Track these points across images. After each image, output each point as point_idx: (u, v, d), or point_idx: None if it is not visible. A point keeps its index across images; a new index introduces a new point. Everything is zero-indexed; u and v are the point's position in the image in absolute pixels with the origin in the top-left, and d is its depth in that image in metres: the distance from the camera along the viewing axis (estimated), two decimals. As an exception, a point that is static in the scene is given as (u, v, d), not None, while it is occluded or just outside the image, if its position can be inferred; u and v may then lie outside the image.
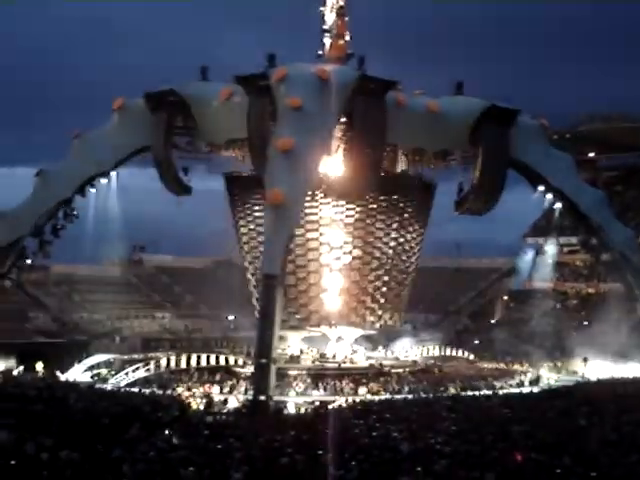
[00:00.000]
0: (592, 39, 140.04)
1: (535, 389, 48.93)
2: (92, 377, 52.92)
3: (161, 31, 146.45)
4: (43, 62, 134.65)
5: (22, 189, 53.52)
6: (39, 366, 54.60)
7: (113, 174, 52.65)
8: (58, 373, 52.25)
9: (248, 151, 48.11)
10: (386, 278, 55.09)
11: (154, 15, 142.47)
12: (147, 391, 44.97)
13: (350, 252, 54.06)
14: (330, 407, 37.85)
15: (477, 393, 45.58)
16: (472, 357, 64.30)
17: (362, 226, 53.80)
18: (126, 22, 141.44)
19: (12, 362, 55.04)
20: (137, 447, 22.74)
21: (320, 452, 21.73)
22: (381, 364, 54.73)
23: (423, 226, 56.33)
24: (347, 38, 57.03)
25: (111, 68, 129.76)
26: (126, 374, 51.12)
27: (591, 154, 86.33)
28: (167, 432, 26.09)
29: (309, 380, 49.14)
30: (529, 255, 76.76)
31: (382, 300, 55.37)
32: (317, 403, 42.90)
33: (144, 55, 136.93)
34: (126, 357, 59.44)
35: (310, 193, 49.17)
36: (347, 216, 53.55)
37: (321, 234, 53.25)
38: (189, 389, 47.34)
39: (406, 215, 54.75)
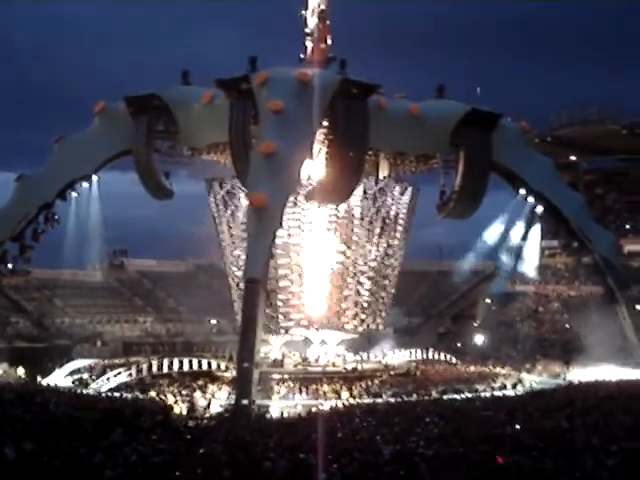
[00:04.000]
0: (573, 42, 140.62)
1: (517, 392, 49.06)
2: (73, 382, 52.69)
3: (144, 33, 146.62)
4: (23, 64, 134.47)
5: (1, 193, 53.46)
6: (20, 371, 54.36)
7: (94, 178, 52.56)
8: (39, 378, 51.98)
9: (230, 155, 48.01)
10: (368, 282, 55.21)
11: (137, 16, 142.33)
12: (129, 396, 44.84)
13: (332, 256, 54.15)
14: (313, 411, 37.84)
15: (459, 396, 45.68)
16: (454, 360, 64.40)
17: (344, 230, 53.92)
18: (109, 23, 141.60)
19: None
20: (119, 452, 22.67)
21: (303, 456, 21.72)
22: (355, 368, 54.67)
23: (406, 230, 56.45)
24: (329, 42, 57.09)
25: (94, 70, 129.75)
26: (107, 379, 50.91)
27: (572, 157, 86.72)
28: (150, 437, 25.95)
29: (292, 384, 49.13)
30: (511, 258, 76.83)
31: (365, 304, 55.48)
32: (300, 407, 42.91)
33: (128, 56, 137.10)
34: (107, 362, 59.27)
35: (292, 197, 49.19)
36: (329, 220, 53.65)
37: (303, 238, 53.32)
38: (171, 393, 47.16)
39: (388, 219, 54.94)
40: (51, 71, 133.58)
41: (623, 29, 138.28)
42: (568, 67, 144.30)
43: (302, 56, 56.55)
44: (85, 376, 53.99)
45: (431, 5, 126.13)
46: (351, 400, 45.26)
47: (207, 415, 40.21)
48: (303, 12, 56.96)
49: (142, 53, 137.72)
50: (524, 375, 57.32)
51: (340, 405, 41.45)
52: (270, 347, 55.60)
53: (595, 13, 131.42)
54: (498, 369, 60.36)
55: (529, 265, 69.19)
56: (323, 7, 56.91)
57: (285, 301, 53.80)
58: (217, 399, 46.18)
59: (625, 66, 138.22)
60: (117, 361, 59.58)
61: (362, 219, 54.21)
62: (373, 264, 55.20)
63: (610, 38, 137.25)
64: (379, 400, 44.85)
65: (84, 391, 47.22)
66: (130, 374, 51.40)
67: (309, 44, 56.80)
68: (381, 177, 55.30)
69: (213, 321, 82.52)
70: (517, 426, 28.15)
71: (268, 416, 39.69)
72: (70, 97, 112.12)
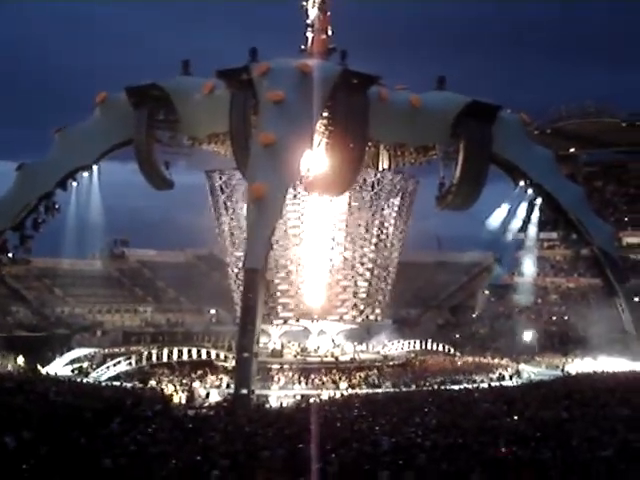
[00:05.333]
0: (572, 36, 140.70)
1: (515, 383, 49.21)
2: (73, 371, 52.85)
3: (143, 28, 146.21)
4: (26, 58, 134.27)
5: (2, 183, 53.53)
6: (20, 360, 54.46)
7: (95, 168, 52.61)
8: (39, 367, 52.09)
9: (230, 145, 48.04)
10: (368, 273, 55.31)
11: (135, 12, 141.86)
12: (128, 385, 44.98)
13: (332, 247, 54.22)
14: (311, 401, 37.96)
15: (458, 387, 45.81)
16: (453, 351, 64.54)
17: (344, 221, 53.98)
18: (109, 20, 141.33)
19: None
20: (118, 441, 22.78)
21: (301, 446, 21.83)
22: (353, 359, 54.72)
23: (405, 222, 56.53)
24: (329, 33, 57.02)
25: (94, 65, 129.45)
26: (107, 368, 51.10)
27: (572, 149, 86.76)
28: (149, 426, 26.06)
29: (291, 374, 49.26)
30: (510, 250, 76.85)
31: (364, 295, 55.56)
32: (299, 397, 43.04)
33: (126, 52, 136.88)
34: (107, 351, 59.39)
35: (292, 188, 49.25)
36: (329, 211, 53.72)
37: (303, 229, 53.41)
38: (171, 383, 47.29)
39: (388, 211, 55.04)
40: (58, 67, 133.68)
41: (618, 27, 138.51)
42: (566, 63, 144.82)
43: (302, 47, 56.50)
44: (85, 365, 54.17)
45: (432, 2, 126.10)
46: (350, 390, 45.43)
47: (206, 404, 40.38)
48: (304, 3, 56.86)
49: (140, 51, 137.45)
50: (522, 366, 57.42)
51: (339, 395, 41.62)
52: (269, 337, 55.74)
53: (591, 13, 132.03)
54: (496, 360, 60.48)
55: (528, 257, 69.43)
56: (324, -2, 56.89)
57: (284, 291, 53.91)
58: (216, 389, 46.33)
59: (622, 62, 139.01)
60: (117, 350, 59.67)
61: (362, 210, 54.29)
62: (372, 255, 55.27)
63: (606, 36, 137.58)
64: (378, 390, 45.02)
65: (84, 380, 47.45)
66: (130, 363, 51.60)
67: (309, 35, 56.73)
68: (381, 168, 55.36)
69: (213, 311, 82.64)
70: (515, 417, 28.28)
71: (267, 406, 39.89)
72: (71, 92, 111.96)
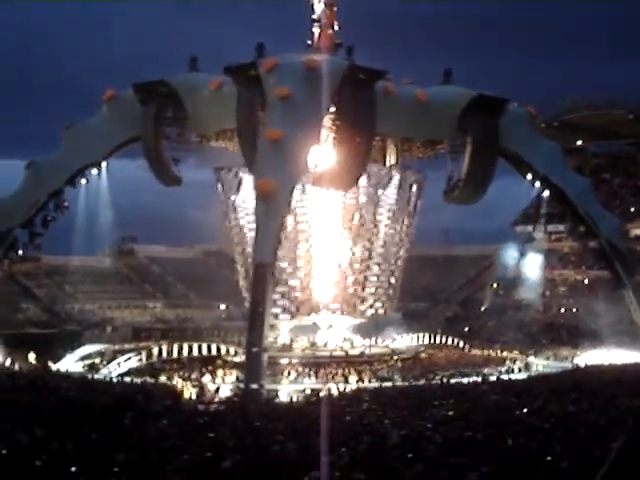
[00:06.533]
0: (580, 28, 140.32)
1: (524, 375, 49.28)
2: (84, 367, 53.06)
3: (148, 24, 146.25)
4: (30, 56, 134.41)
5: (12, 181, 53.67)
6: (31, 357, 54.71)
7: (103, 165, 52.81)
8: (50, 363, 52.33)
9: (238, 142, 48.18)
10: (376, 267, 55.46)
11: (139, 7, 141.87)
12: (139, 380, 45.18)
13: (341, 242, 54.36)
14: (321, 395, 38.11)
15: (466, 380, 45.93)
16: (462, 344, 64.60)
17: (352, 216, 54.12)
18: (112, 16, 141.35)
19: (3, 353, 55.01)
20: (130, 436, 22.93)
21: (311, 440, 21.95)
22: (363, 353, 54.83)
23: (413, 216, 56.65)
24: (336, 28, 57.10)
25: (101, 63, 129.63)
26: (118, 364, 51.29)
27: (579, 142, 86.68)
28: (160, 421, 26.22)
29: (300, 368, 49.42)
30: (517, 243, 76.76)
31: (373, 289, 55.71)
32: (308, 391, 43.19)
33: (131, 48, 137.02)
34: (117, 347, 59.61)
35: (300, 183, 49.36)
36: (337, 206, 53.85)
37: (311, 224, 53.55)
38: (181, 378, 47.49)
39: (396, 206, 55.16)
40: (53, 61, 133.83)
41: (621, 16, 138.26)
42: (570, 54, 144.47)
43: (309, 42, 56.60)
44: (96, 361, 54.35)
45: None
46: (359, 384, 45.57)
47: (216, 399, 40.54)
48: (310, -1, 56.98)
49: (148, 41, 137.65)
50: (531, 359, 57.49)
51: (348, 389, 41.75)
52: (278, 332, 55.89)
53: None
54: (505, 353, 60.53)
55: (535, 250, 69.43)
56: (330, -7, 56.95)
57: (294, 286, 54.06)
58: (226, 383, 46.52)
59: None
60: (127, 346, 59.89)
61: (370, 205, 54.43)
62: (381, 250, 55.40)
63: (611, 24, 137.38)
64: (387, 384, 45.13)
65: (95, 376, 47.64)
66: (140, 359, 51.80)
67: (316, 30, 56.81)
68: (388, 163, 55.48)
69: (222, 306, 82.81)
70: (524, 409, 28.37)
71: (277, 400, 40.03)
72: (74, 87, 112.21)
